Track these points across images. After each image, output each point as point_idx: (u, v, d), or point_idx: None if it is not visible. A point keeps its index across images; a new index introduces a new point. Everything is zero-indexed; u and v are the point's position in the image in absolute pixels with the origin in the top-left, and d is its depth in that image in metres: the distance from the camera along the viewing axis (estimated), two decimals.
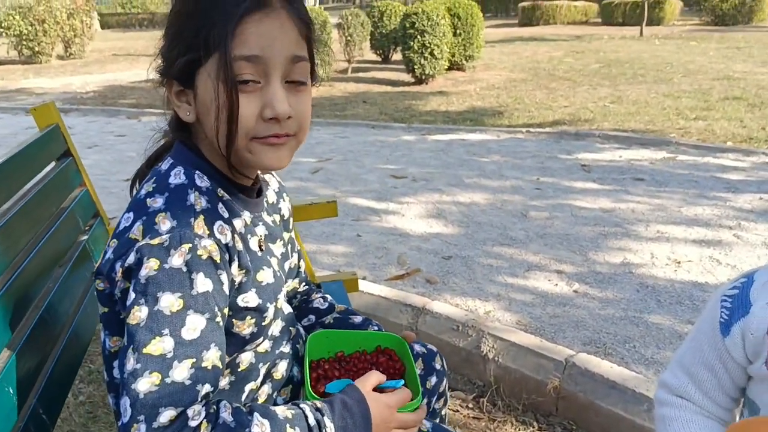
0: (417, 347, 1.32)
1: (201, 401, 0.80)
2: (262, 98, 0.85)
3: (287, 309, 1.14)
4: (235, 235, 0.90)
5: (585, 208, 3.94)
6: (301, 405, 0.90)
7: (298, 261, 1.26)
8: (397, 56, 11.24)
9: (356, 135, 6.56)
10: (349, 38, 10.88)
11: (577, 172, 4.74)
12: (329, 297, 1.31)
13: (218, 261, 0.84)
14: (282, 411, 0.88)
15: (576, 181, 4.50)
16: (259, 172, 1.01)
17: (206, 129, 0.89)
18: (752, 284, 0.82)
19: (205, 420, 0.79)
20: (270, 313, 0.97)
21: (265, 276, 0.96)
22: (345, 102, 8.80)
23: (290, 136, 0.89)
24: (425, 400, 1.28)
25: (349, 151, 5.86)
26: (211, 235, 0.85)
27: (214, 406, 0.83)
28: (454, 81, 9.92)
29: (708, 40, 13.72)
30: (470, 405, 2.26)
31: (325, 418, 0.88)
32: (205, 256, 0.82)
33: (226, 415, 0.82)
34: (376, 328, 1.24)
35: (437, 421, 1.34)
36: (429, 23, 9.13)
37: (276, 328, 1.06)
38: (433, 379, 1.31)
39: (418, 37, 9.14)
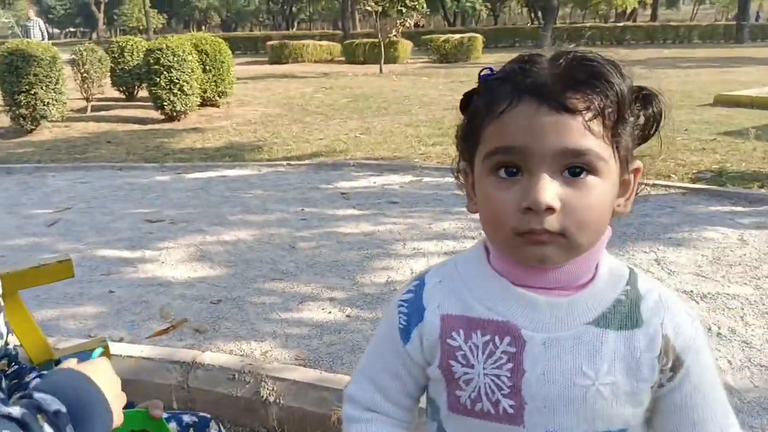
0: (186, 417, 1.17)
1: None
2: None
3: None
4: None
5: (349, 234, 4.06)
6: None
7: (5, 337, 1.03)
8: (143, 93, 10.57)
9: (100, 179, 5.94)
10: (85, 75, 9.93)
11: (338, 200, 4.89)
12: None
13: None
14: None
15: (338, 209, 4.64)
16: None
17: None
18: (424, 287, 0.83)
19: None
20: None
21: None
22: (85, 143, 7.97)
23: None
24: None
25: (93, 197, 5.27)
26: None
27: None
28: (208, 117, 9.64)
29: (436, 75, 15.47)
30: None
31: None
32: None
33: None
34: (34, 374, 1.08)
35: None
36: (175, 59, 8.77)
37: None
38: None
39: (165, 73, 8.72)
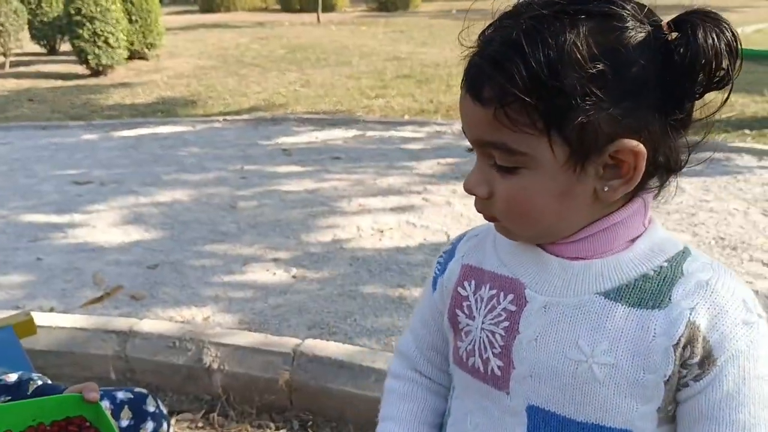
0: (120, 394, 1.08)
1: None
2: None
3: None
4: None
5: (291, 192, 3.94)
6: None
7: None
8: (66, 47, 9.90)
9: (23, 139, 5.56)
10: (0, 28, 9.18)
11: (279, 157, 4.74)
12: None
13: None
14: None
15: (279, 166, 4.50)
16: None
17: None
18: (461, 240, 0.84)
19: None
20: None
21: None
22: (4, 102, 7.43)
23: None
24: None
25: (15, 159, 4.93)
26: None
27: None
28: (137, 71, 9.13)
29: (376, 25, 15.12)
30: (200, 424, 2.06)
31: None
32: None
33: None
34: (40, 382, 0.98)
35: None
36: (98, 9, 8.22)
37: None
38: (149, 426, 1.09)
39: (88, 24, 8.17)
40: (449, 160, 4.36)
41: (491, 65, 0.61)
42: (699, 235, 3.06)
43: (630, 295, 0.66)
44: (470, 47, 0.65)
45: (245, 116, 6.14)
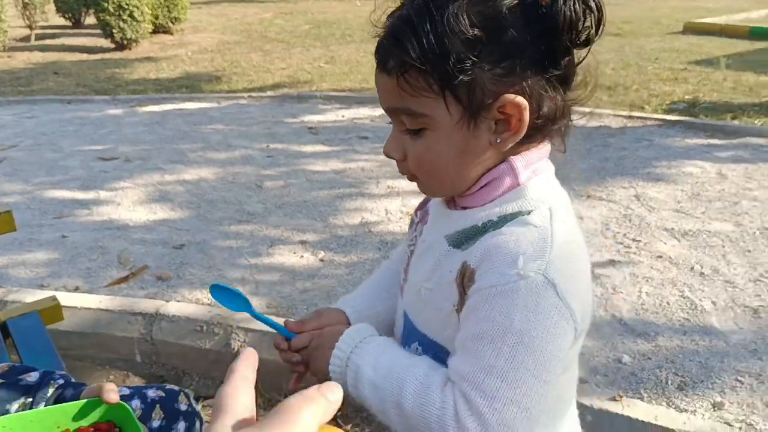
0: (151, 392, 1.02)
1: None
2: None
3: None
4: None
5: (318, 172, 3.86)
6: None
7: None
8: (91, 20, 9.86)
9: (48, 113, 5.54)
10: (26, 1, 9.16)
11: (305, 135, 4.66)
12: None
13: None
14: None
15: (306, 145, 4.41)
16: None
17: None
18: None
19: None
20: None
21: None
22: (30, 75, 7.42)
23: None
24: None
25: (41, 133, 4.91)
26: None
27: None
28: (161, 45, 9.06)
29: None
30: None
31: None
32: None
33: None
34: (62, 381, 0.91)
35: None
36: None
37: None
38: (181, 426, 1.03)
39: None
40: None
41: (391, 40, 0.72)
42: (742, 225, 2.92)
43: (457, 238, 0.78)
44: (380, 27, 0.75)
45: (270, 93, 6.05)
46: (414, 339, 0.84)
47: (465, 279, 0.74)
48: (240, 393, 0.47)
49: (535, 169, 0.77)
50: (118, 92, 6.35)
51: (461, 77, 0.68)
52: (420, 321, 0.83)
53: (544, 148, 0.78)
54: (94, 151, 4.40)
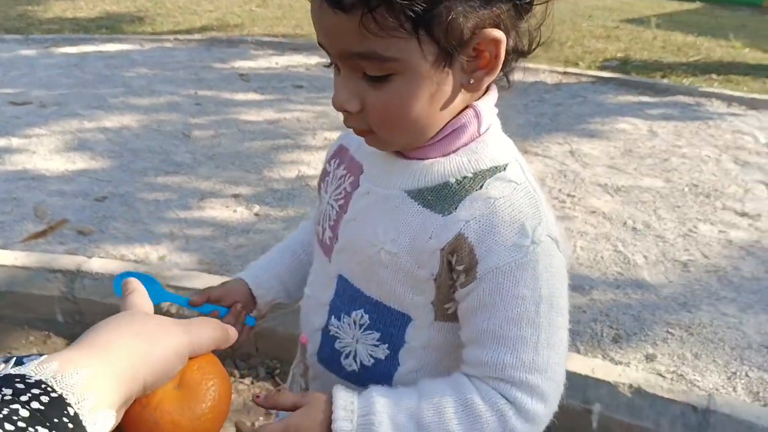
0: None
1: None
2: None
3: None
4: None
5: (251, 122, 3.70)
6: None
7: None
8: None
9: None
10: None
11: (236, 82, 4.44)
12: None
13: None
14: None
15: (237, 93, 4.21)
16: None
17: None
18: None
19: None
20: None
21: None
22: None
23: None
24: None
25: None
26: None
27: None
28: None
29: None
30: None
31: None
32: None
33: None
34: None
35: None
36: None
37: None
38: None
39: None
40: None
41: None
42: (672, 182, 3.02)
43: (426, 197, 0.70)
44: None
45: (197, 36, 5.72)
46: (357, 306, 0.76)
47: (459, 254, 0.68)
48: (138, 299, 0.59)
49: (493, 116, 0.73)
50: (31, 31, 5.84)
51: (442, 12, 0.59)
52: (370, 285, 0.75)
53: (495, 94, 0.72)
54: (5, 94, 4.04)
